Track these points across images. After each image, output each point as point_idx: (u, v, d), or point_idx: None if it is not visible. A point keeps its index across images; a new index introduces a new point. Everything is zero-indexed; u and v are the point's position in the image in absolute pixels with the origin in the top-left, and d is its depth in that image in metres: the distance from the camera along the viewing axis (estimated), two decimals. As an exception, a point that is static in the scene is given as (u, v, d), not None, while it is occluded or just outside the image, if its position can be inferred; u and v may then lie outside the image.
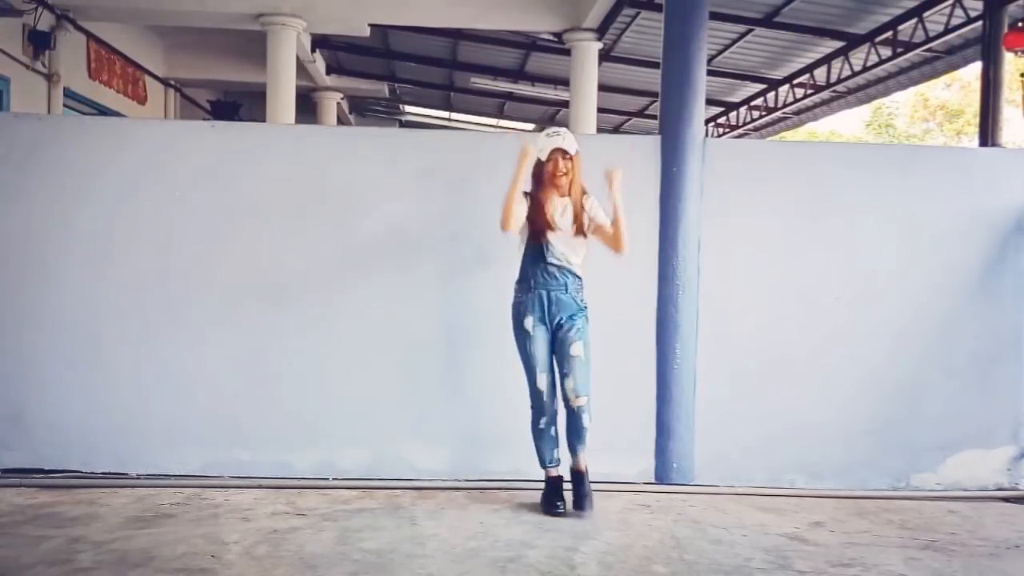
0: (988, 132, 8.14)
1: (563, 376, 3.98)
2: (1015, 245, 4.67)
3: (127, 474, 4.38)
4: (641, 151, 4.64)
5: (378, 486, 4.35)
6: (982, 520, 4.11)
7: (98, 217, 4.43)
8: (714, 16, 6.66)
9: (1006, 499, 4.53)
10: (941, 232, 4.67)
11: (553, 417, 4.02)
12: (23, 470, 4.32)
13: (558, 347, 3.98)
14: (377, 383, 4.48)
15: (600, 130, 12.69)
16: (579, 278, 4.04)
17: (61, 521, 3.67)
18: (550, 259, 3.96)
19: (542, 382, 3.98)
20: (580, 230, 4.01)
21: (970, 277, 4.67)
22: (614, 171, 4.04)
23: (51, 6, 9.98)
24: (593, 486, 4.37)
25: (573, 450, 4.02)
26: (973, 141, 17.35)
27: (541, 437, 4.05)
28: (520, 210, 3.95)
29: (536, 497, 4.07)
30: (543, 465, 4.07)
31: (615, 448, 4.52)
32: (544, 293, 3.96)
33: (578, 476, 4.00)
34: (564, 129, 4.12)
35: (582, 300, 4.03)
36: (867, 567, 3.36)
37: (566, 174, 3.99)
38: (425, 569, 3.20)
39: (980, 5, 8.33)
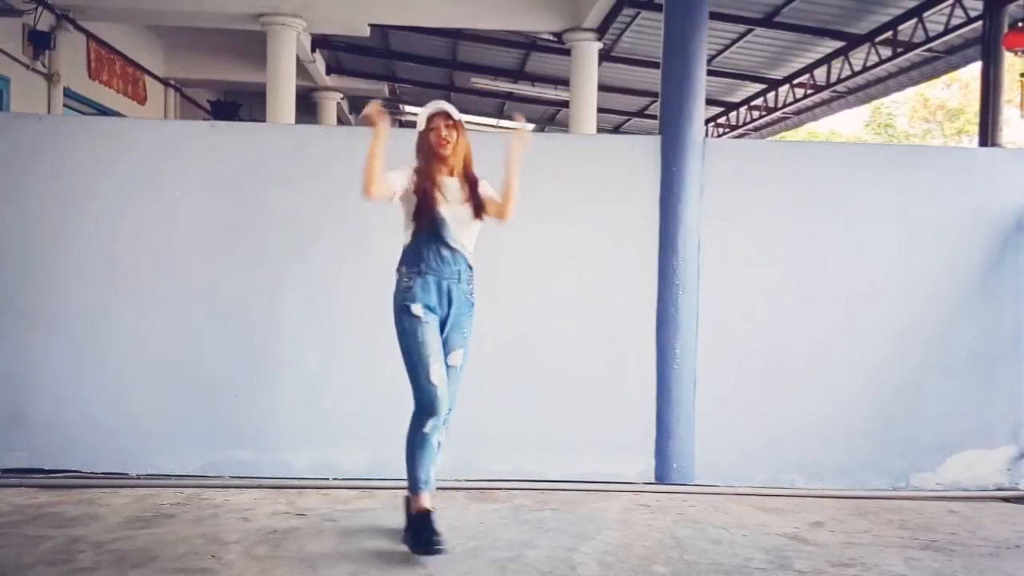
0: (988, 132, 8.15)
1: None
2: (1015, 245, 4.67)
3: (127, 474, 4.38)
4: (641, 151, 4.64)
5: (378, 486, 4.35)
6: (982, 520, 4.11)
7: (98, 217, 4.43)
8: (714, 16, 6.67)
9: (1006, 499, 4.53)
10: (941, 232, 4.67)
11: (443, 423, 3.44)
12: (23, 470, 4.32)
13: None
14: (377, 383, 4.48)
15: (600, 130, 12.71)
16: (471, 268, 3.55)
17: (61, 521, 3.67)
18: (448, 239, 3.45)
19: (436, 374, 3.36)
20: (477, 212, 3.52)
21: (970, 277, 4.67)
22: (522, 132, 3.60)
23: (51, 6, 9.99)
24: (593, 486, 4.39)
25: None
26: (973, 141, 17.34)
27: (423, 446, 3.40)
28: (390, 177, 3.43)
29: (537, 497, 4.07)
30: (415, 488, 3.40)
31: (615, 448, 4.53)
32: (436, 280, 3.45)
33: (423, 516, 3.37)
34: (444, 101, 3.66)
35: (472, 294, 3.56)
36: (867, 567, 3.36)
37: (452, 142, 3.50)
38: (425, 569, 3.20)
39: (980, 5, 8.34)
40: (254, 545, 3.42)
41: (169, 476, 4.38)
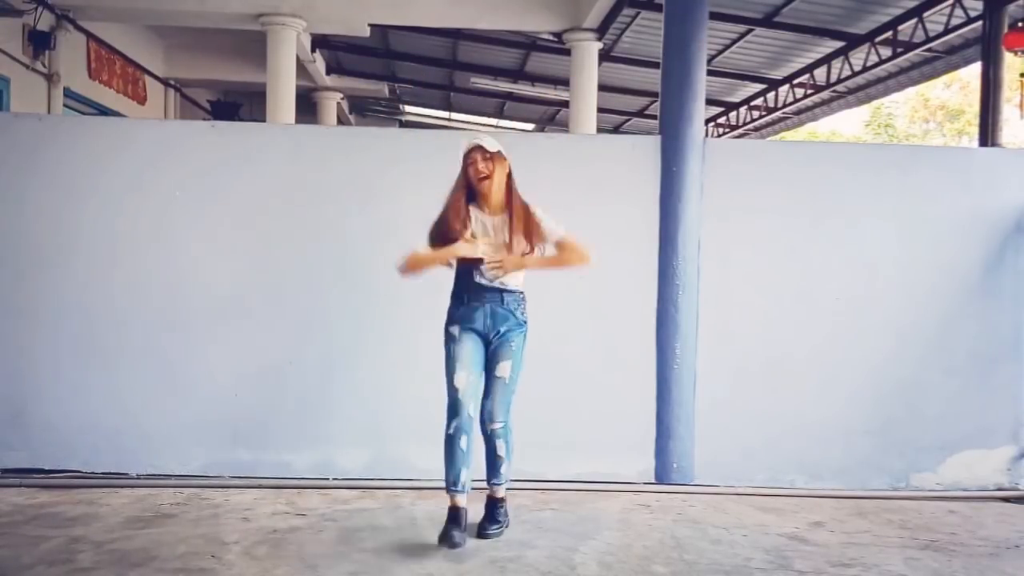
0: (988, 132, 8.15)
1: (485, 396, 3.61)
2: (1015, 245, 4.68)
3: (127, 474, 4.38)
4: (641, 151, 4.64)
5: (378, 486, 4.35)
6: (982, 520, 4.11)
7: (98, 217, 4.43)
8: (714, 16, 6.66)
9: (1006, 499, 4.53)
10: (941, 232, 4.67)
11: (466, 427, 3.53)
12: (23, 470, 4.33)
13: (488, 363, 3.62)
14: (377, 383, 4.48)
15: (600, 130, 12.70)
16: (515, 293, 3.65)
17: (61, 521, 3.67)
18: (479, 279, 3.58)
19: (460, 380, 3.54)
20: (528, 242, 3.59)
21: (970, 277, 4.67)
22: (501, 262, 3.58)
23: (51, 6, 9.99)
24: (593, 486, 4.39)
25: (489, 482, 3.69)
26: (973, 141, 17.35)
27: (449, 448, 3.52)
28: (435, 238, 3.59)
29: (537, 497, 4.07)
30: (447, 488, 3.55)
31: (615, 448, 4.53)
32: (477, 306, 3.59)
33: (491, 501, 3.69)
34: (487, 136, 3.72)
35: (523, 314, 3.66)
36: (867, 567, 3.36)
37: (488, 176, 3.54)
38: (425, 569, 3.20)
39: (980, 5, 8.34)
40: (254, 545, 3.42)
41: (169, 476, 4.38)
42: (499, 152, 3.58)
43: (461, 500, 3.54)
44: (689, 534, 3.72)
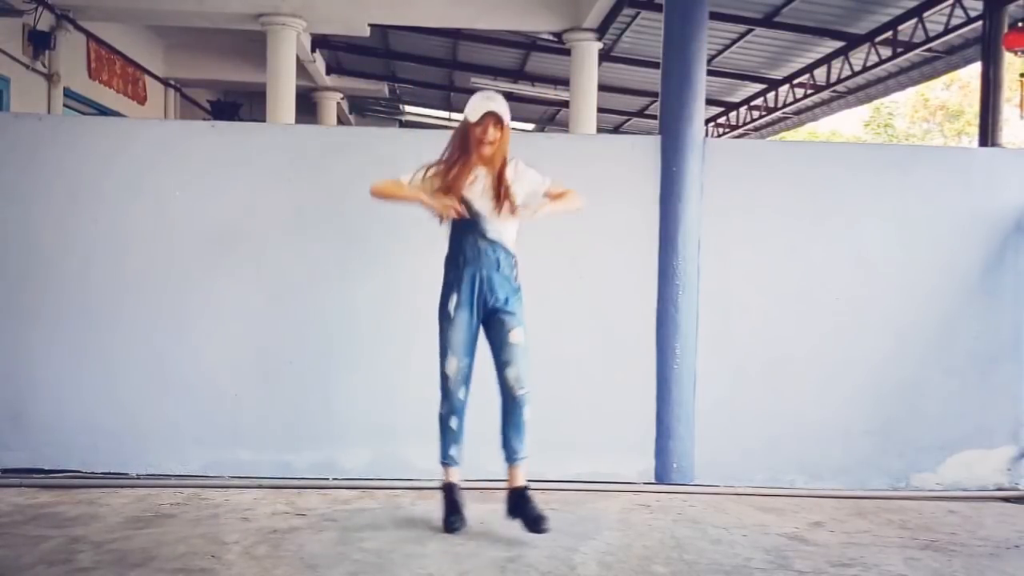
0: (988, 132, 8.15)
1: (503, 364, 3.62)
2: (1015, 245, 4.67)
3: (127, 474, 4.38)
4: (641, 151, 4.64)
5: (378, 486, 4.35)
6: (982, 520, 4.11)
7: (98, 217, 4.43)
8: (714, 16, 6.66)
9: (1006, 499, 4.53)
10: (941, 232, 4.67)
11: (457, 409, 3.67)
12: (23, 470, 4.32)
13: (494, 333, 3.64)
14: (377, 383, 4.48)
15: (600, 130, 12.71)
16: (511, 255, 3.66)
17: (61, 521, 3.67)
18: (485, 232, 3.59)
19: (451, 366, 3.62)
20: (512, 210, 3.62)
21: (970, 277, 4.67)
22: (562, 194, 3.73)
23: (51, 6, 9.99)
24: (593, 486, 4.38)
25: (513, 452, 3.67)
26: (973, 142, 17.34)
27: (442, 427, 3.70)
28: (416, 181, 3.63)
29: (537, 497, 4.05)
30: (440, 460, 3.73)
31: (615, 448, 4.53)
32: (474, 271, 3.59)
33: (521, 496, 3.63)
34: (499, 96, 3.72)
35: (516, 279, 3.67)
36: (867, 567, 3.36)
37: (493, 143, 3.58)
38: (425, 569, 3.20)
39: (980, 5, 8.35)
40: (254, 545, 3.42)
41: (169, 476, 4.38)
42: (507, 124, 3.64)
43: (455, 474, 3.72)
44: (689, 534, 3.72)
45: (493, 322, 3.65)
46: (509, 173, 3.65)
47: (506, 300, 3.63)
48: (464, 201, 3.59)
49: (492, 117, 3.57)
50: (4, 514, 3.76)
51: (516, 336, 3.63)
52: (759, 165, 4.69)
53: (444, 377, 3.67)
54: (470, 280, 3.61)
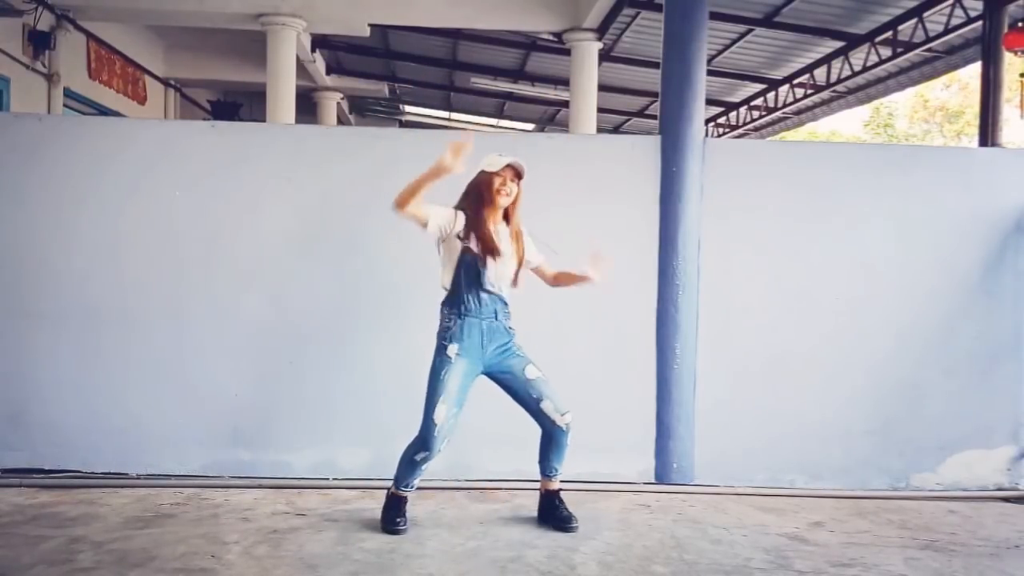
0: (988, 132, 8.15)
1: (536, 402, 3.70)
2: (1015, 245, 4.68)
3: (127, 474, 4.38)
4: (641, 151, 4.64)
5: (378, 486, 4.34)
6: (982, 520, 4.11)
7: (98, 217, 4.43)
8: (714, 16, 6.68)
9: (1006, 499, 4.53)
10: (941, 232, 4.67)
11: (434, 457, 3.63)
12: (23, 470, 4.33)
13: (511, 379, 3.71)
14: (377, 383, 4.48)
15: (600, 130, 12.71)
16: (506, 304, 3.74)
17: (61, 521, 3.67)
18: (486, 285, 3.64)
19: (440, 415, 3.55)
20: (520, 265, 3.77)
21: (970, 277, 4.67)
22: (600, 261, 3.83)
23: (51, 6, 9.99)
24: (593, 486, 4.39)
25: (553, 469, 3.80)
26: (973, 141, 17.35)
27: (412, 468, 3.66)
28: (431, 207, 3.62)
29: (537, 497, 4.06)
30: (397, 487, 3.72)
31: (615, 448, 4.53)
32: (476, 322, 3.65)
33: (555, 497, 3.82)
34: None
35: (510, 326, 3.75)
36: (867, 567, 3.36)
37: (510, 195, 3.69)
38: (425, 569, 3.20)
39: (980, 5, 8.35)
40: (254, 545, 3.42)
41: (169, 476, 4.38)
42: (521, 185, 3.75)
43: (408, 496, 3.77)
44: (689, 534, 3.72)
45: (503, 369, 3.72)
46: (524, 239, 3.81)
47: (505, 346, 3.72)
48: (493, 253, 3.64)
49: (511, 170, 3.68)
50: (4, 514, 3.76)
51: (533, 372, 3.73)
52: (759, 165, 4.69)
53: (431, 424, 3.57)
54: (472, 331, 3.65)
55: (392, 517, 3.68)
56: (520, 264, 3.77)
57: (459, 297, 3.67)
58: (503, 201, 3.69)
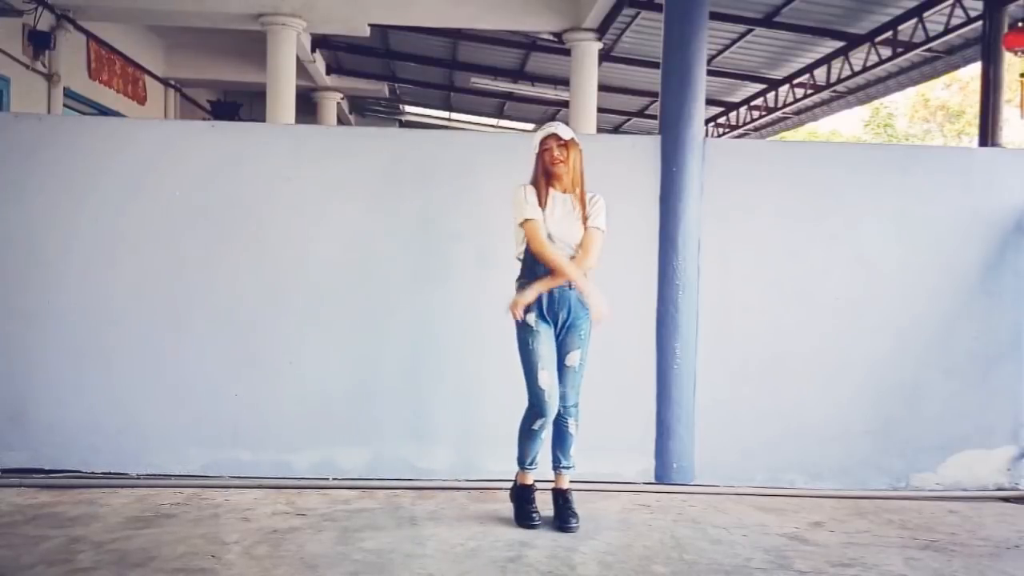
0: (988, 132, 8.15)
1: (559, 387, 3.78)
2: (1015, 245, 4.67)
3: (127, 474, 4.38)
4: (641, 151, 4.64)
5: (378, 486, 4.35)
6: (982, 520, 4.11)
7: (98, 217, 4.43)
8: (714, 16, 6.66)
9: (1006, 499, 4.53)
10: (941, 232, 4.67)
11: (548, 422, 3.77)
12: (23, 470, 4.33)
13: (557, 349, 3.79)
14: (377, 383, 4.48)
15: (600, 130, 12.71)
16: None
17: (61, 521, 3.67)
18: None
19: (544, 380, 3.69)
20: (584, 225, 3.79)
21: (970, 277, 4.67)
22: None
23: (51, 6, 9.99)
24: (593, 486, 4.38)
25: (557, 462, 3.87)
26: (973, 142, 17.34)
27: (531, 438, 3.80)
28: (533, 212, 3.72)
29: (537, 497, 4.05)
30: (521, 465, 3.86)
31: (615, 448, 4.53)
32: (553, 289, 3.71)
33: (562, 496, 3.85)
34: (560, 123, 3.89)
35: (586, 302, 3.78)
36: (867, 567, 3.36)
37: (564, 161, 3.74)
38: (425, 569, 3.20)
39: (980, 5, 8.34)
40: (254, 545, 3.42)
41: (169, 476, 4.38)
42: (572, 139, 3.79)
43: (532, 477, 3.87)
44: (689, 534, 3.72)
45: (559, 344, 3.80)
46: (590, 205, 3.81)
47: (575, 319, 3.77)
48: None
49: (553, 138, 3.75)
50: (4, 514, 3.76)
51: (572, 359, 3.80)
52: (759, 165, 4.69)
53: (538, 391, 3.71)
54: (545, 295, 3.71)
55: (527, 512, 3.77)
56: (585, 226, 3.76)
57: (531, 268, 3.76)
58: (561, 169, 3.75)
